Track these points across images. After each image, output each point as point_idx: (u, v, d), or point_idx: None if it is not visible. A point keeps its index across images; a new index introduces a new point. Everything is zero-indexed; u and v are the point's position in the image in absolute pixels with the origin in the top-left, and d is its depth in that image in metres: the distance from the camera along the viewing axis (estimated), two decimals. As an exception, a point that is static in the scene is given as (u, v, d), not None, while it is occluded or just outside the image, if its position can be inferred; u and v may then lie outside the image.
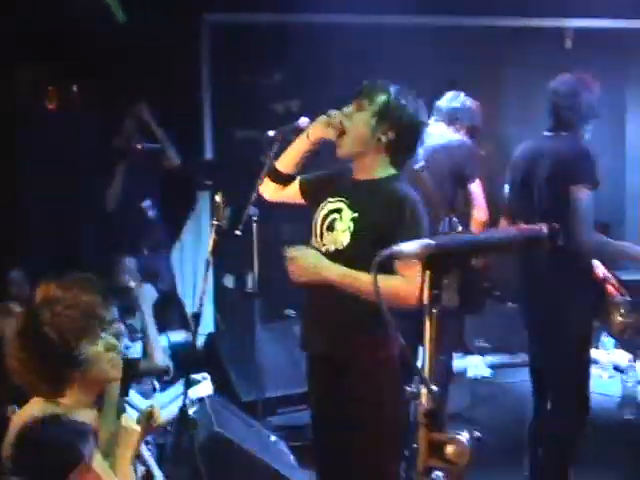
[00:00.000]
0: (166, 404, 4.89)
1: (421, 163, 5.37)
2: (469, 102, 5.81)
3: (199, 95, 7.42)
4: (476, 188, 5.50)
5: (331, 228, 3.77)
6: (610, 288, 4.82)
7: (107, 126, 6.48)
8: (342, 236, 3.72)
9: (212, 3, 7.08)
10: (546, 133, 4.76)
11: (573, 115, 4.67)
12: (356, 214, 3.71)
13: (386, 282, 3.29)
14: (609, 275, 4.86)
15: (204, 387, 4.95)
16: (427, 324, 2.16)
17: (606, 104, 7.88)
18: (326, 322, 3.77)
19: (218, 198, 4.32)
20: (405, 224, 3.60)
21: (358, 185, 3.81)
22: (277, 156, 5.10)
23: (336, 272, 3.60)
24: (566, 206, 4.39)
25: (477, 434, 5.66)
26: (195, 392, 4.88)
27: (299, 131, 5.10)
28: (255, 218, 5.22)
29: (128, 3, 6.60)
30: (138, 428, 3.16)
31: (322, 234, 3.80)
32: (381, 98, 3.73)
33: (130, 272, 5.81)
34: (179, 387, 4.94)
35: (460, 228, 5.28)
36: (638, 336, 5.21)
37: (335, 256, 3.71)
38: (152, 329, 4.98)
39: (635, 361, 6.70)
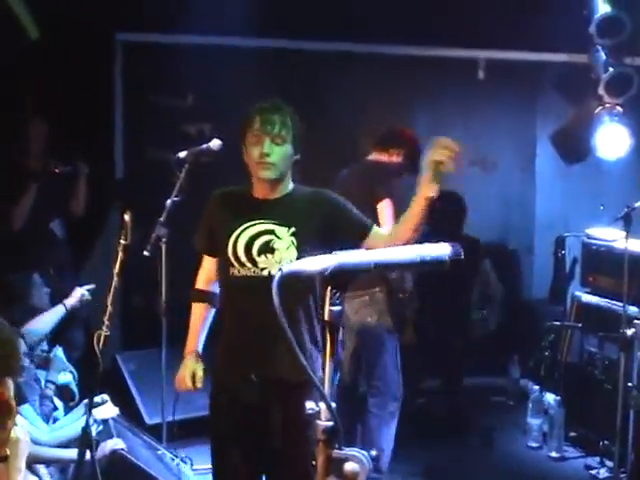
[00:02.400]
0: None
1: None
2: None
3: (111, 114, 7.34)
4: (383, 207, 5.52)
5: (269, 250, 3.72)
6: None
7: (13, 144, 6.34)
8: (287, 253, 3.71)
9: (125, 22, 7.02)
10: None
11: None
12: (293, 228, 3.73)
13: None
14: None
15: (107, 409, 4.86)
16: (328, 341, 2.16)
17: (517, 134, 8.10)
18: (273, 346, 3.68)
19: (127, 217, 4.23)
20: (340, 205, 3.82)
21: (276, 203, 3.82)
22: (187, 178, 5.10)
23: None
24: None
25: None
26: (99, 413, 4.79)
27: (210, 153, 5.12)
28: (164, 239, 5.18)
29: (41, 19, 6.51)
30: (25, 437, 3.10)
31: (254, 260, 3.73)
32: (292, 124, 3.75)
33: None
34: (80, 410, 4.86)
35: None
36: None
37: None
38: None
39: (542, 391, 6.74)
